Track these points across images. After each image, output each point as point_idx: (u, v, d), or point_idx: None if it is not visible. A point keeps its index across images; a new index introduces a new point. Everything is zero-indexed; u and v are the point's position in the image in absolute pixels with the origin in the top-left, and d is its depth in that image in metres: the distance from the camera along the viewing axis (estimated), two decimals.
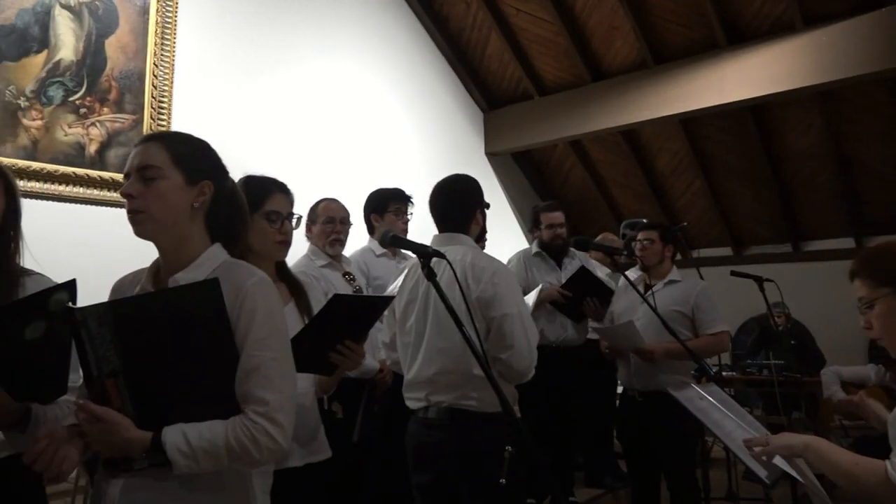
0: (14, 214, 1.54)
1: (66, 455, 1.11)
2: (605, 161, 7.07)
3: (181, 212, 1.26)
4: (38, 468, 1.10)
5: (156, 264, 1.34)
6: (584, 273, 3.48)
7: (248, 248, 1.77)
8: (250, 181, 1.86)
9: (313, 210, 2.94)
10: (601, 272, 4.29)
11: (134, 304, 1.16)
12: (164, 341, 1.14)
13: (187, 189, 1.27)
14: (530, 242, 4.10)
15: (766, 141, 6.04)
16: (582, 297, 3.50)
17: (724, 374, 4.98)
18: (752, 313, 6.45)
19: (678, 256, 3.33)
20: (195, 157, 1.31)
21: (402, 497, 2.87)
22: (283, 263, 1.93)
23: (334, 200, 3.03)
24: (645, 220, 3.99)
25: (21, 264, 1.56)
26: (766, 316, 4.37)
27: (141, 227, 1.25)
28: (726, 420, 1.82)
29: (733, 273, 3.65)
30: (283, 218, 1.83)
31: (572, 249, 3.97)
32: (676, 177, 6.81)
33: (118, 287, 1.39)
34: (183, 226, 1.27)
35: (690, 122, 6.19)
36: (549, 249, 3.85)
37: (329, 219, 2.91)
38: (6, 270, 1.50)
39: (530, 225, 3.97)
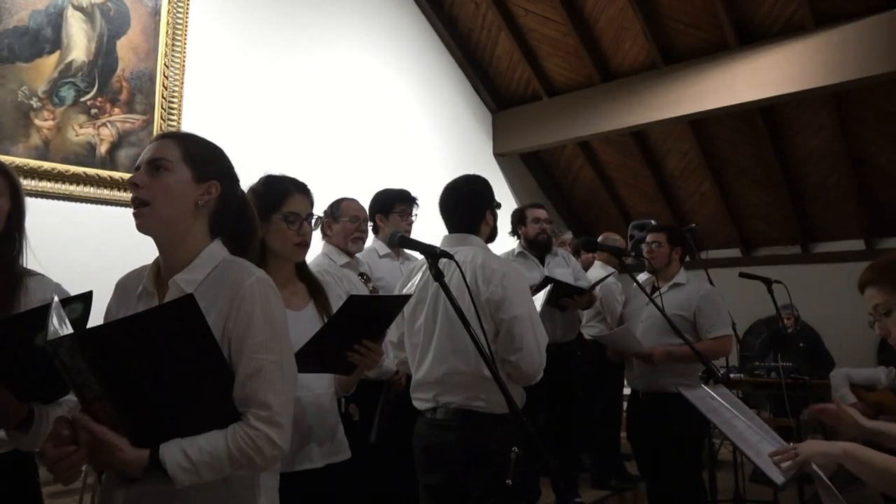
0: (18, 215, 1.55)
1: (81, 458, 1.10)
2: (613, 162, 7.06)
3: (184, 207, 1.26)
4: (58, 473, 1.09)
5: (157, 263, 1.34)
6: (556, 286, 3.45)
7: (268, 249, 1.79)
8: (270, 181, 1.85)
9: (335, 208, 2.94)
10: (603, 272, 4.29)
11: (104, 332, 1.11)
12: (146, 363, 1.10)
13: (194, 186, 1.28)
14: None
15: (777, 142, 6.02)
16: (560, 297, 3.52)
17: (731, 376, 4.96)
18: (761, 315, 6.44)
19: (687, 258, 3.32)
20: (206, 157, 1.31)
21: (409, 498, 2.88)
22: (303, 263, 1.92)
23: (354, 200, 3.05)
24: (653, 222, 3.99)
25: (24, 265, 1.57)
26: (775, 318, 4.35)
27: (143, 220, 1.25)
28: (736, 421, 1.82)
29: (742, 275, 3.64)
30: (302, 219, 1.82)
31: (555, 248, 3.96)
32: (686, 178, 6.79)
33: (122, 284, 1.39)
34: (184, 222, 1.27)
35: (700, 123, 6.17)
36: (534, 246, 3.79)
37: (354, 217, 2.92)
38: (10, 272, 1.51)
39: (514, 223, 3.92)
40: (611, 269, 4.31)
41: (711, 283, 3.83)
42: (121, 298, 1.36)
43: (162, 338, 1.09)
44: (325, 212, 2.98)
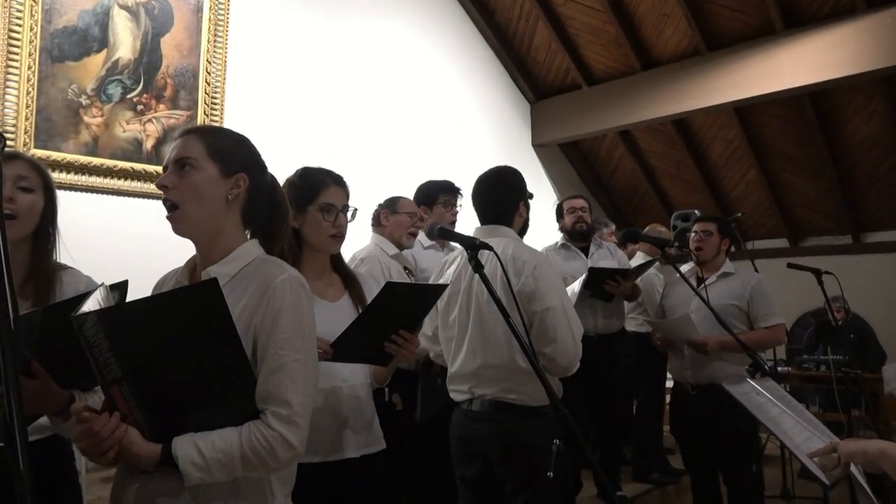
0: (52, 211, 1.59)
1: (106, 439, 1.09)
2: (655, 151, 6.93)
3: (215, 204, 1.26)
4: (92, 453, 1.10)
5: (193, 260, 1.35)
6: (593, 273, 3.42)
7: (304, 241, 1.81)
8: (306, 173, 1.87)
9: (392, 202, 3.02)
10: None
11: (126, 310, 1.09)
12: (165, 347, 1.08)
13: (221, 181, 1.27)
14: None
15: (826, 129, 5.82)
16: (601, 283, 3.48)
17: (779, 369, 4.83)
18: (809, 307, 6.26)
19: (732, 249, 3.25)
20: (231, 149, 1.30)
21: (446, 490, 2.89)
22: (338, 255, 1.93)
23: (408, 198, 3.14)
24: (697, 212, 3.90)
25: (57, 259, 1.61)
26: (823, 310, 4.22)
27: (177, 225, 1.25)
28: (783, 417, 1.77)
29: (790, 266, 3.54)
30: (338, 211, 1.82)
31: (598, 238, 3.92)
32: (730, 166, 6.63)
33: (160, 284, 1.41)
34: (217, 219, 1.27)
35: (745, 110, 6.01)
36: (574, 236, 3.79)
37: (412, 213, 2.99)
38: (45, 266, 1.55)
39: (556, 217, 3.93)
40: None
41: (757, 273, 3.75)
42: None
43: (182, 320, 1.08)
44: (382, 204, 3.04)
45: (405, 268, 2.94)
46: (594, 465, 1.39)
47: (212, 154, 1.27)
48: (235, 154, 1.30)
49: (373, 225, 3.07)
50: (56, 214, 1.60)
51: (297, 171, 1.87)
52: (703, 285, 3.06)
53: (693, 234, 3.20)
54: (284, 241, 1.39)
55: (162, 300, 1.15)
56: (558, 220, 3.90)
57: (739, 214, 4.97)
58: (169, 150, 1.30)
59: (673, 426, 3.33)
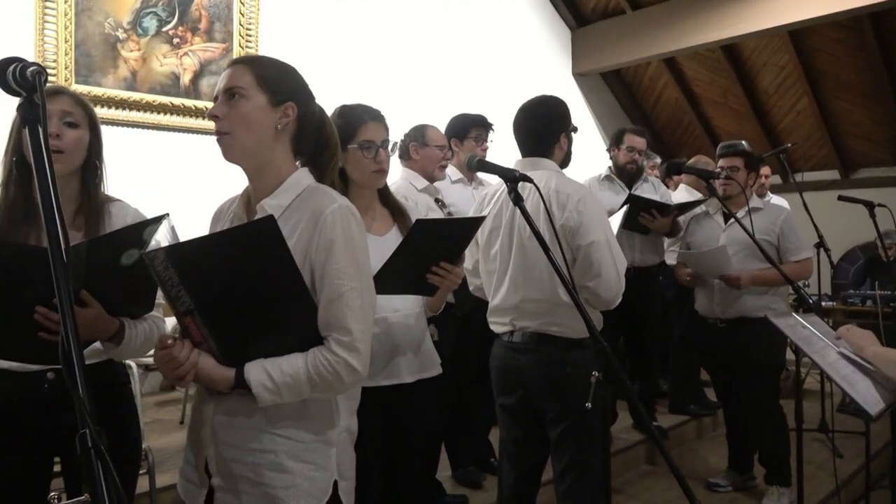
0: (97, 145, 1.61)
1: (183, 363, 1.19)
2: (701, 79, 6.66)
3: (264, 133, 1.27)
4: (166, 373, 1.19)
5: (247, 191, 1.38)
6: (632, 201, 3.37)
7: (349, 178, 1.82)
8: (344, 111, 1.86)
9: (420, 134, 2.93)
10: (688, 195, 4.12)
11: (192, 246, 1.15)
12: (230, 280, 1.15)
13: (270, 110, 1.28)
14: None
15: (887, 53, 5.49)
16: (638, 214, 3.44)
17: (823, 304, 4.75)
18: (858, 241, 6.09)
19: (764, 181, 3.17)
20: (279, 79, 1.31)
21: (486, 417, 2.97)
22: (385, 189, 1.94)
23: (436, 127, 3.04)
24: (744, 143, 3.76)
25: (105, 192, 1.65)
26: (873, 244, 4.09)
27: (227, 149, 1.28)
28: (829, 350, 1.74)
29: (841, 198, 3.41)
30: (378, 147, 1.83)
31: (645, 173, 3.83)
32: (781, 95, 6.34)
33: (217, 214, 1.45)
34: (266, 148, 1.28)
35: (800, 34, 5.69)
36: (622, 174, 3.71)
37: (441, 145, 2.93)
38: (94, 198, 1.60)
39: (610, 143, 3.81)
40: (697, 195, 4.13)
41: (806, 206, 3.64)
42: (215, 225, 1.43)
43: (243, 256, 1.13)
44: (409, 136, 2.98)
45: (437, 199, 2.90)
46: (632, 397, 1.40)
47: (260, 83, 1.28)
48: (284, 83, 1.31)
49: (401, 158, 2.99)
50: (102, 148, 1.63)
51: (335, 111, 1.87)
52: (731, 222, 3.03)
53: (719, 170, 3.13)
54: (335, 174, 1.41)
55: (223, 237, 1.21)
56: (611, 148, 3.79)
57: (789, 145, 4.77)
58: (218, 81, 1.31)
59: (704, 359, 3.35)
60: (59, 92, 1.58)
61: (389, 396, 1.82)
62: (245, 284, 1.15)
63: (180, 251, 1.14)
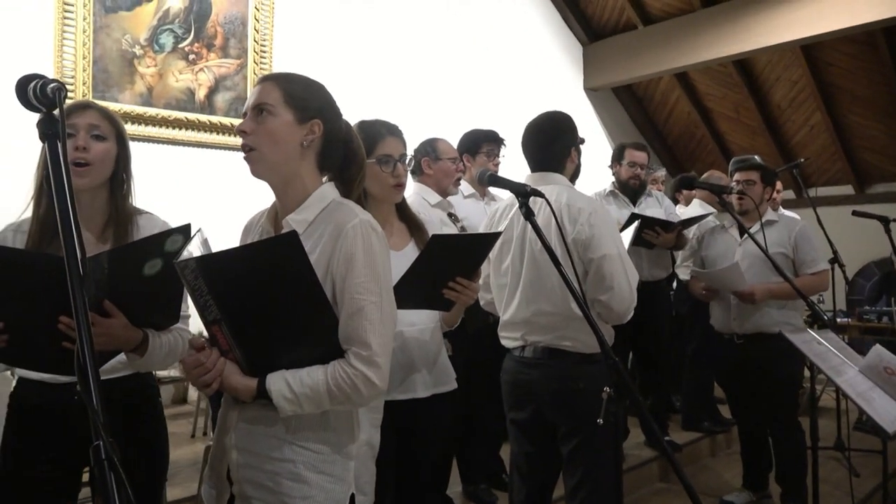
0: (125, 158, 1.65)
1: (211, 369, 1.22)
2: (713, 94, 6.65)
3: (290, 149, 1.30)
4: (194, 380, 1.22)
5: (275, 205, 1.40)
6: (634, 220, 3.37)
7: (367, 193, 1.83)
8: (362, 126, 1.87)
9: (432, 148, 2.91)
10: (702, 210, 4.10)
11: (220, 258, 1.19)
12: (254, 292, 1.18)
13: (297, 127, 1.30)
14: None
15: None
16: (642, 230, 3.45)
17: (838, 320, 4.69)
18: (874, 257, 6.02)
19: (777, 196, 3.16)
20: (306, 96, 1.33)
21: (497, 432, 2.95)
22: (403, 203, 1.96)
23: (446, 140, 3.02)
24: (757, 157, 3.74)
25: (133, 204, 1.68)
26: (888, 260, 4.05)
27: (254, 165, 1.31)
28: (845, 367, 1.72)
29: (856, 213, 3.39)
30: (396, 161, 1.84)
31: (649, 188, 3.83)
32: (794, 109, 6.32)
33: (247, 227, 1.48)
34: (292, 163, 1.31)
35: (813, 49, 5.68)
36: (625, 189, 3.72)
37: (454, 157, 2.92)
38: (122, 210, 1.63)
39: (612, 159, 3.82)
40: (710, 209, 4.11)
41: (820, 221, 3.61)
42: (245, 238, 1.45)
43: (267, 269, 1.16)
44: (419, 151, 2.97)
45: (450, 214, 2.90)
46: (644, 413, 1.38)
47: (287, 100, 1.31)
48: (311, 100, 1.34)
49: (413, 174, 2.95)
50: (129, 161, 1.66)
51: (353, 126, 1.88)
52: (746, 236, 3.01)
53: (734, 184, 3.11)
54: (360, 188, 1.43)
55: (248, 251, 1.25)
56: (613, 164, 3.80)
57: (802, 160, 4.75)
58: (248, 97, 1.34)
59: (719, 375, 3.32)
60: (87, 106, 1.62)
61: (404, 410, 1.82)
62: (269, 297, 1.18)
63: (209, 262, 1.18)
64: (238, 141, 1.34)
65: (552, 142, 2.21)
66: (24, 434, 1.57)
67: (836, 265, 3.67)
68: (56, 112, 0.95)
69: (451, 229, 2.75)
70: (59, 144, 0.94)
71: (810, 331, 1.98)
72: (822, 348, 1.81)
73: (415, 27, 5.27)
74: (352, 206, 1.32)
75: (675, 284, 4.20)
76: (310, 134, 1.32)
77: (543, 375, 2.09)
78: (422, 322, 1.89)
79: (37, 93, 0.97)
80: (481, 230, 2.43)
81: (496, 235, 1.90)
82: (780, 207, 4.55)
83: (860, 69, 5.69)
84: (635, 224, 3.38)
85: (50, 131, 0.95)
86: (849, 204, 5.13)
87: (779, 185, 4.46)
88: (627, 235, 3.32)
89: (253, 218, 1.49)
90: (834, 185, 6.66)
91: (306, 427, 1.25)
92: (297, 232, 1.15)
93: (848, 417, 3.88)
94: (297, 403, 1.19)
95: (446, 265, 1.73)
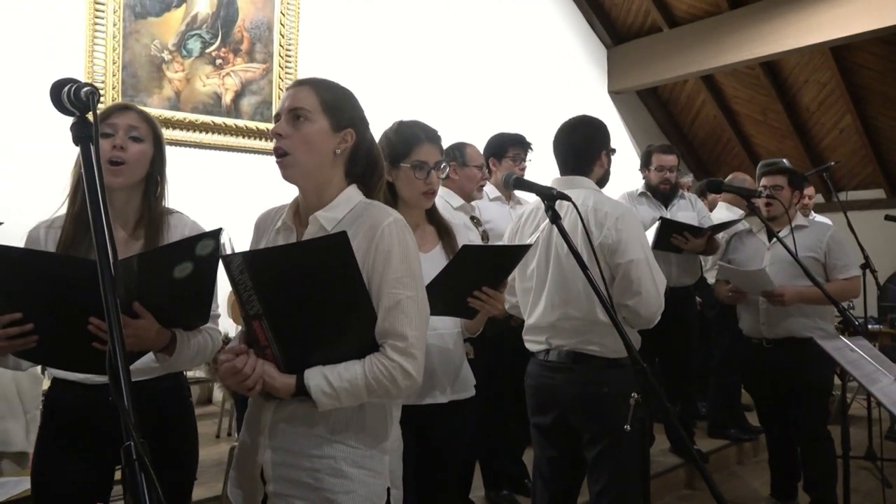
0: (160, 160, 1.68)
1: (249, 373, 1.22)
2: (740, 97, 6.57)
3: (324, 157, 1.31)
4: (229, 382, 1.23)
5: (296, 202, 1.41)
6: (664, 224, 3.33)
7: (398, 195, 1.83)
8: (401, 128, 1.87)
9: (460, 153, 2.91)
10: (728, 214, 4.04)
11: (267, 256, 1.21)
12: (299, 289, 1.20)
13: (332, 135, 1.31)
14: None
15: None
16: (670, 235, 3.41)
17: (870, 327, 4.60)
18: None
19: (808, 201, 3.10)
20: (342, 105, 1.34)
21: (521, 436, 2.93)
22: (433, 207, 1.95)
23: (473, 145, 3.03)
24: (785, 161, 3.68)
25: (166, 205, 1.71)
26: None
27: (287, 171, 1.31)
28: (879, 375, 1.68)
29: (888, 218, 3.32)
30: (430, 168, 1.83)
31: (682, 191, 3.78)
32: (823, 112, 6.21)
33: (258, 222, 1.48)
34: (325, 171, 1.32)
35: (842, 50, 5.59)
36: (656, 193, 3.69)
37: (480, 164, 2.93)
38: (155, 211, 1.66)
39: (641, 164, 3.80)
40: (737, 212, 4.05)
41: (851, 226, 3.54)
42: (258, 234, 1.46)
43: (314, 267, 1.18)
44: (447, 155, 2.97)
45: (472, 217, 2.90)
46: (673, 419, 1.36)
47: (325, 108, 1.32)
48: (345, 110, 1.35)
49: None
50: (164, 163, 1.69)
51: (392, 126, 1.88)
52: (774, 241, 2.96)
53: (762, 190, 3.06)
54: (380, 194, 1.43)
55: (296, 249, 1.26)
56: (643, 168, 3.78)
57: (832, 163, 4.67)
58: (282, 99, 1.35)
59: (747, 381, 3.26)
60: (127, 108, 1.65)
61: (423, 416, 1.81)
62: (313, 294, 1.20)
63: (256, 257, 1.21)
64: (263, 144, 1.36)
65: (585, 145, 2.20)
66: (57, 434, 1.60)
67: (867, 270, 3.60)
68: (90, 115, 0.97)
69: (474, 232, 2.75)
70: (93, 148, 0.95)
71: (843, 337, 1.94)
72: (855, 355, 1.77)
73: (439, 32, 5.28)
74: (383, 207, 1.34)
75: (702, 288, 4.14)
76: (343, 143, 1.33)
77: (567, 380, 2.07)
78: (444, 327, 1.88)
79: (71, 97, 0.98)
80: (506, 234, 2.42)
81: (526, 248, 1.88)
82: (812, 212, 4.48)
83: (891, 71, 5.58)
84: (656, 225, 3.34)
85: (83, 134, 0.96)
86: (880, 208, 5.03)
87: (811, 190, 4.39)
88: (649, 235, 3.28)
89: (266, 213, 1.48)
90: (865, 189, 6.53)
91: (345, 424, 1.26)
92: (346, 232, 1.16)
93: (881, 426, 3.80)
94: (336, 398, 1.21)
95: (474, 274, 1.73)
